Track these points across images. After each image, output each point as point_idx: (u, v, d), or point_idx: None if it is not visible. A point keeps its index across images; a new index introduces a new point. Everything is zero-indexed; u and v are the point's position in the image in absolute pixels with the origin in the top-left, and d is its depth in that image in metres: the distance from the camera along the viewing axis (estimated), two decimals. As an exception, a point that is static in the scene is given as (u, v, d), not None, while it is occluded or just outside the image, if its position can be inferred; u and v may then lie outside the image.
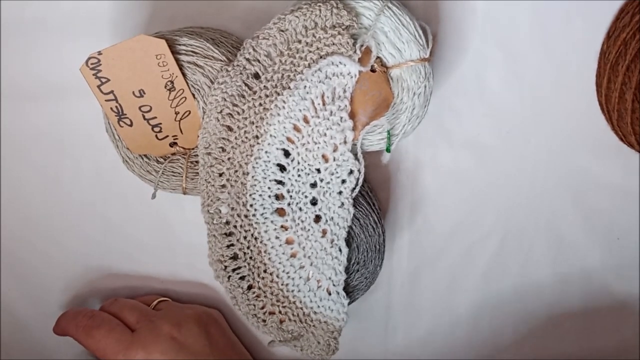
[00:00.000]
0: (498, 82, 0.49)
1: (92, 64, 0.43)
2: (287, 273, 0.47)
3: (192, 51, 0.44)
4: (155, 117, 0.45)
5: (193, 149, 0.47)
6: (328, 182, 0.45)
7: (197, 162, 0.47)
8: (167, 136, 0.47)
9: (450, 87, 0.49)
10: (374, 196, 0.48)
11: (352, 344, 0.53)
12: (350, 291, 0.47)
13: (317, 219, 0.46)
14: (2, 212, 0.52)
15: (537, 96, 0.49)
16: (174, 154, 0.47)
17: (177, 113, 0.46)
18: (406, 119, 0.45)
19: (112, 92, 0.44)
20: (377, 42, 0.44)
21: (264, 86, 0.45)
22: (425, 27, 0.44)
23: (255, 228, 0.47)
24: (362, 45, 0.43)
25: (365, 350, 0.53)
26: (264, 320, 0.47)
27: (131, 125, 0.45)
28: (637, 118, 0.47)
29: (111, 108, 0.45)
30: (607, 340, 0.53)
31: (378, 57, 0.44)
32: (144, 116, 0.45)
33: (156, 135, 0.46)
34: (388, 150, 0.46)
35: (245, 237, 0.47)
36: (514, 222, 0.51)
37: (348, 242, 0.46)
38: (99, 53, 0.42)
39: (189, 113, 0.46)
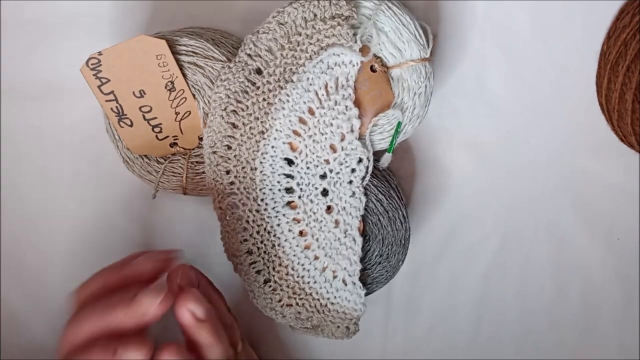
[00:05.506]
0: (498, 82, 0.49)
1: (92, 64, 0.43)
2: (302, 265, 0.47)
3: (192, 51, 0.44)
4: (156, 118, 0.45)
5: (193, 149, 0.47)
6: (338, 172, 0.45)
7: (197, 162, 0.47)
8: (168, 136, 0.47)
9: (451, 87, 0.49)
10: (401, 191, 0.48)
11: (352, 344, 0.53)
12: (370, 282, 0.47)
13: (329, 209, 0.46)
14: (2, 212, 0.52)
15: (537, 96, 0.49)
16: (174, 154, 0.47)
17: (177, 113, 0.46)
18: (407, 119, 0.45)
19: (112, 92, 0.44)
20: (377, 30, 0.43)
21: (267, 81, 0.44)
22: (426, 27, 0.44)
23: (268, 222, 0.46)
24: (362, 36, 0.43)
25: (365, 350, 0.53)
26: (282, 314, 0.47)
27: (131, 125, 0.45)
28: (638, 118, 0.47)
29: (111, 108, 0.45)
30: (607, 340, 0.53)
31: (378, 57, 0.44)
32: (144, 116, 0.45)
33: (156, 136, 0.46)
34: (389, 150, 0.46)
35: (258, 232, 0.47)
36: (514, 222, 0.51)
37: (374, 233, 0.46)
38: (99, 53, 0.42)
39: (189, 113, 0.46)
